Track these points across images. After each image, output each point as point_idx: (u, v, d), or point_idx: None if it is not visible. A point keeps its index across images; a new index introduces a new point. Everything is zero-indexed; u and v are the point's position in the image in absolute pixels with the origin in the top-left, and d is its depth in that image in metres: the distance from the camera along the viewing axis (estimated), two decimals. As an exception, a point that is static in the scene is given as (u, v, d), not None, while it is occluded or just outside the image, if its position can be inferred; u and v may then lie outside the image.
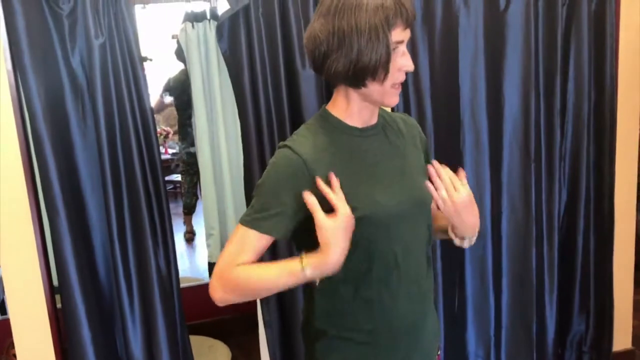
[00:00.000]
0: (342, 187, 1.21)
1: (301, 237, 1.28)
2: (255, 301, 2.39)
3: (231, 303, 1.26)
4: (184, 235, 4.81)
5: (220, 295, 1.24)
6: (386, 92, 1.24)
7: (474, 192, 2.52)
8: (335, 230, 1.16)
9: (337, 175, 1.22)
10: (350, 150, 1.28)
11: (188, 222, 4.83)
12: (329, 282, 1.27)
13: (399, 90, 1.27)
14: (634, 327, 2.82)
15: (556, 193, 2.50)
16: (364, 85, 1.21)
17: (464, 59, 2.35)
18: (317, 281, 1.26)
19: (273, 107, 2.14)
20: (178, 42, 3.58)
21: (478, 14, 2.32)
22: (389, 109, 1.54)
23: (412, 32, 2.26)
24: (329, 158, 1.24)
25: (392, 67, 1.20)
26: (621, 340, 2.75)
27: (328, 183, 1.21)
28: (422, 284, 1.36)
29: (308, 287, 1.37)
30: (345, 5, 1.17)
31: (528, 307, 2.53)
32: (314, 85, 2.13)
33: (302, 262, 1.17)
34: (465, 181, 1.30)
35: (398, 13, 1.17)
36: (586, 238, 2.60)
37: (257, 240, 1.23)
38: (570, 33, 2.43)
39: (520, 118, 2.40)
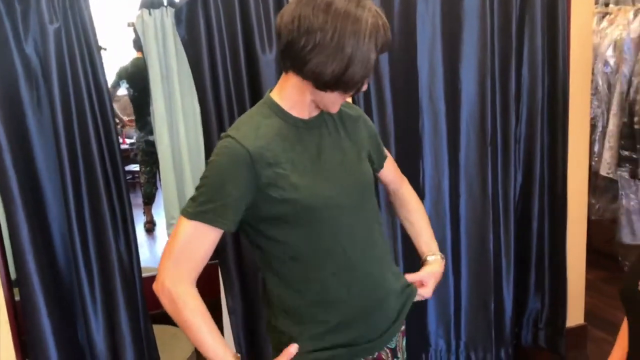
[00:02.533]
0: (285, 177, 1.23)
1: (253, 233, 1.31)
2: (218, 288, 2.38)
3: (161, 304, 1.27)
4: (144, 226, 4.76)
5: (161, 296, 1.24)
6: (337, 102, 1.27)
7: (432, 176, 2.59)
8: None
9: (280, 168, 1.23)
10: (294, 142, 1.28)
11: (148, 212, 4.77)
12: (284, 279, 1.30)
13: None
14: (586, 304, 2.93)
15: (512, 176, 2.57)
16: (329, 91, 1.22)
17: (422, 44, 2.38)
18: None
19: (234, 93, 2.13)
20: (135, 30, 3.51)
21: (435, -1, 2.36)
22: None
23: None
24: (271, 150, 1.24)
25: (355, 83, 1.21)
26: (574, 316, 2.86)
27: (276, 172, 1.23)
28: (376, 269, 1.38)
29: (264, 288, 1.40)
30: (346, 12, 1.15)
31: (486, 288, 2.61)
32: (275, 70, 2.12)
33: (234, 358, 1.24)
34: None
35: (383, 39, 1.19)
36: (541, 220, 2.69)
37: (203, 234, 1.22)
38: (524, 19, 2.49)
39: (477, 103, 2.45)
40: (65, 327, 2.07)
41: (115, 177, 2.09)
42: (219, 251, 2.21)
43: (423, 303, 2.62)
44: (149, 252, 4.53)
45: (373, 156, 1.48)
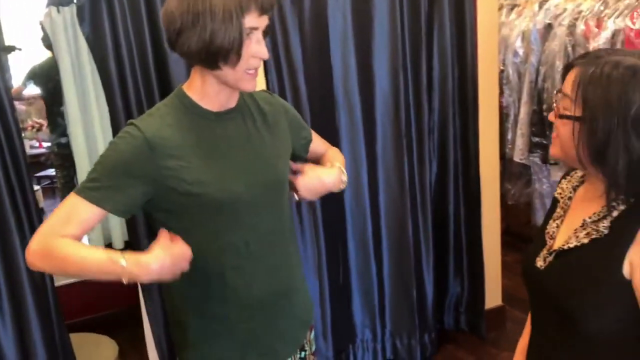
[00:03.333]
0: (189, 170, 1.22)
1: (155, 224, 1.30)
2: (137, 295, 2.33)
3: (41, 271, 1.26)
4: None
5: (33, 260, 1.21)
6: (240, 77, 1.24)
7: (351, 168, 2.62)
8: (166, 251, 1.15)
9: (184, 161, 1.22)
10: (201, 134, 1.27)
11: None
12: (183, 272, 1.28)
13: (255, 76, 1.27)
14: (503, 285, 3.05)
15: (427, 166, 2.63)
16: (218, 67, 1.21)
17: (334, 38, 2.40)
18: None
19: (142, 91, 2.08)
20: (43, 28, 3.37)
21: (345, -7, 2.38)
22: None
23: (282, 12, 2.28)
24: (175, 141, 1.23)
25: (246, 53, 1.20)
26: (493, 298, 2.97)
27: (179, 165, 1.22)
28: (283, 269, 1.38)
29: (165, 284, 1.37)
30: None
31: (408, 275, 2.67)
32: (184, 67, 2.09)
33: (123, 255, 1.16)
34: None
35: None
36: (456, 206, 2.77)
37: (85, 211, 1.21)
38: (433, 12, 2.55)
39: (390, 95, 2.50)
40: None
41: (20, 184, 2.00)
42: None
43: (348, 295, 2.66)
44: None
45: (296, 146, 1.50)
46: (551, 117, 1.12)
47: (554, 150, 1.13)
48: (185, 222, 1.27)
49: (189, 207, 1.25)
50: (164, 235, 1.18)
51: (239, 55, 1.19)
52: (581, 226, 1.10)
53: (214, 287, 1.31)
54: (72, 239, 1.19)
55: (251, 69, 1.24)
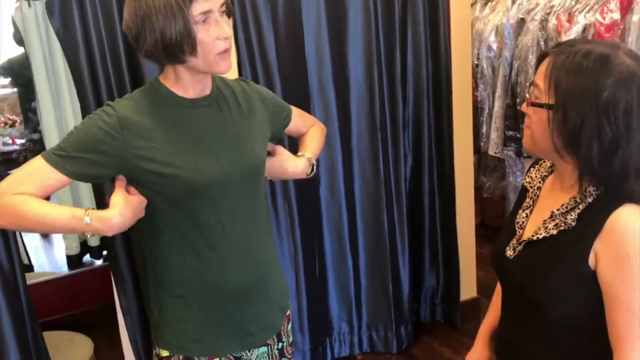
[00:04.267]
0: (159, 152, 1.24)
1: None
2: (112, 291, 2.31)
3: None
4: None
5: None
6: (212, 62, 1.24)
7: (326, 162, 2.62)
8: (127, 203, 1.22)
9: (155, 143, 1.24)
10: (175, 120, 1.29)
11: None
12: (159, 250, 1.30)
13: (227, 56, 1.27)
14: (478, 277, 3.09)
15: (402, 158, 2.65)
16: (184, 60, 1.22)
17: (309, 32, 2.40)
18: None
19: (114, 85, 2.06)
20: (14, 22, 3.32)
21: (318, -15, 2.38)
22: (227, 77, 1.54)
23: (255, 6, 2.27)
24: (147, 124, 1.25)
25: (207, 37, 1.20)
26: (468, 290, 3.00)
27: (150, 146, 1.25)
28: (258, 252, 1.40)
29: (141, 260, 1.40)
30: None
31: (383, 267, 2.69)
32: (156, 61, 2.07)
33: (86, 211, 1.19)
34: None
35: None
36: (431, 198, 2.80)
37: (47, 175, 1.23)
38: (407, 5, 2.56)
39: (365, 89, 2.51)
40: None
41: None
42: (108, 249, 2.14)
43: (324, 289, 2.67)
44: (46, 256, 4.31)
45: (277, 128, 1.55)
46: (523, 107, 1.13)
47: (526, 142, 1.15)
48: (164, 202, 1.28)
49: (165, 187, 1.27)
50: (120, 186, 1.24)
51: (193, 45, 1.20)
52: (550, 217, 1.13)
53: (189, 267, 1.32)
54: (31, 196, 1.21)
55: (220, 51, 1.24)
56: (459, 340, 2.91)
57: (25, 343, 2.08)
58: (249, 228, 1.37)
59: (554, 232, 1.10)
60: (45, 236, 4.50)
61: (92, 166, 1.24)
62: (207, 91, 1.34)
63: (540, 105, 1.07)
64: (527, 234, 1.17)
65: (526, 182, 1.28)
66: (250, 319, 1.40)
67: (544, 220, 1.14)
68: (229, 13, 1.26)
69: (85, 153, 1.23)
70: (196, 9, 1.17)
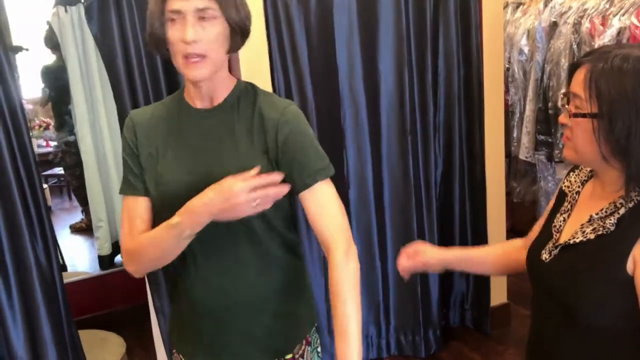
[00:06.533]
0: (152, 154, 1.25)
1: None
2: (146, 292, 2.35)
3: (147, 271, 1.28)
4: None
5: (132, 268, 1.25)
6: (180, 65, 1.18)
7: (356, 167, 2.62)
8: (216, 186, 1.12)
9: (153, 142, 1.26)
10: (181, 128, 1.26)
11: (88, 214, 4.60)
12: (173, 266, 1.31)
13: (193, 63, 1.15)
14: (508, 283, 3.06)
15: (432, 163, 2.64)
16: (167, 56, 1.21)
17: (340, 37, 2.41)
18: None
19: (150, 88, 2.11)
20: (50, 27, 3.40)
21: (351, -9, 2.39)
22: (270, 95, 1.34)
23: (288, 12, 2.29)
24: (156, 129, 1.27)
25: (172, 37, 1.15)
26: (498, 295, 2.98)
27: (143, 139, 1.27)
28: (229, 276, 1.26)
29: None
30: None
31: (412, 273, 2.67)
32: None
33: (178, 212, 1.15)
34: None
35: None
36: (462, 204, 2.78)
37: (134, 206, 1.25)
38: (439, 10, 2.56)
39: (395, 93, 2.51)
40: (-19, 338, 1.99)
41: (30, 183, 2.02)
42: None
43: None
44: (79, 256, 4.39)
45: (291, 172, 1.22)
46: (562, 119, 1.10)
47: (567, 153, 1.12)
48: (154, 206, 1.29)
49: (150, 193, 1.26)
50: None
51: (163, 40, 1.17)
52: (588, 221, 1.11)
53: (172, 279, 1.36)
54: (142, 233, 1.23)
55: (184, 54, 1.15)
56: (488, 345, 2.89)
57: (62, 340, 2.13)
58: (221, 251, 1.25)
59: (592, 236, 1.09)
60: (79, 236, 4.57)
61: (135, 173, 1.26)
62: (216, 101, 1.26)
63: (584, 116, 1.04)
64: (564, 238, 1.16)
65: (564, 186, 1.26)
66: (220, 345, 1.31)
67: (582, 225, 1.13)
68: (216, 21, 1.15)
69: (133, 167, 1.26)
70: (169, 6, 1.14)
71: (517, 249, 1.42)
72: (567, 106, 1.09)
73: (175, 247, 1.18)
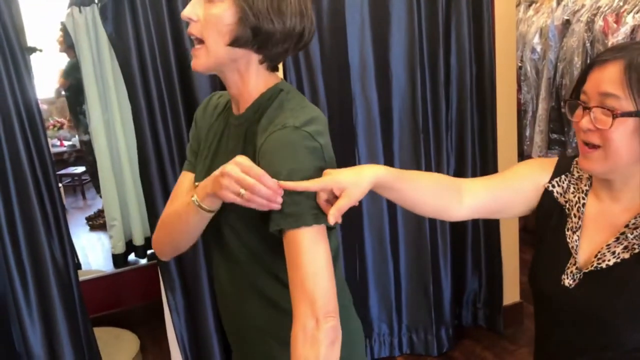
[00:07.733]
0: (197, 151, 1.26)
1: None
2: (159, 289, 2.37)
3: (169, 252, 1.23)
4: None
5: (157, 246, 1.23)
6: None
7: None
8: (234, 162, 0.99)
9: (200, 141, 1.25)
10: (217, 128, 1.21)
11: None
12: None
13: (195, 50, 1.06)
14: (521, 282, 3.05)
15: (444, 161, 2.64)
16: None
17: (352, 34, 2.42)
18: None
19: (164, 88, 2.12)
20: (64, 28, 3.44)
21: (362, -10, 2.39)
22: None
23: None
24: (205, 121, 1.26)
25: None
26: (511, 294, 2.97)
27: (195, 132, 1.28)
28: (237, 301, 1.18)
29: None
30: None
31: (424, 271, 2.68)
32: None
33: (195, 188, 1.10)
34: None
35: None
36: (474, 202, 2.77)
37: (182, 178, 1.26)
38: (451, 8, 2.56)
39: (407, 91, 2.51)
40: (-1, 334, 2.02)
41: (46, 181, 2.04)
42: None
43: (365, 290, 2.68)
44: (93, 254, 4.41)
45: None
46: (587, 124, 0.99)
47: (594, 166, 1.01)
48: None
49: None
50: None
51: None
52: (616, 240, 1.04)
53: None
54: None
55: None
56: (501, 344, 2.88)
57: (77, 336, 2.16)
58: (223, 270, 1.20)
59: (626, 255, 1.01)
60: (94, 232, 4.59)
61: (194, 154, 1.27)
62: (238, 110, 1.12)
63: (630, 114, 0.95)
64: (584, 259, 1.07)
65: (562, 200, 1.13)
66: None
67: (608, 245, 1.04)
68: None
69: (192, 144, 1.26)
70: None
71: (454, 190, 1.17)
72: (593, 109, 0.98)
73: (188, 221, 1.09)
